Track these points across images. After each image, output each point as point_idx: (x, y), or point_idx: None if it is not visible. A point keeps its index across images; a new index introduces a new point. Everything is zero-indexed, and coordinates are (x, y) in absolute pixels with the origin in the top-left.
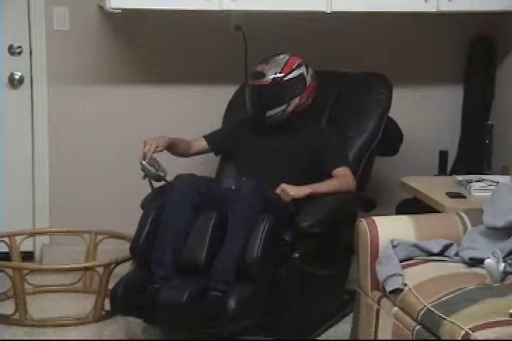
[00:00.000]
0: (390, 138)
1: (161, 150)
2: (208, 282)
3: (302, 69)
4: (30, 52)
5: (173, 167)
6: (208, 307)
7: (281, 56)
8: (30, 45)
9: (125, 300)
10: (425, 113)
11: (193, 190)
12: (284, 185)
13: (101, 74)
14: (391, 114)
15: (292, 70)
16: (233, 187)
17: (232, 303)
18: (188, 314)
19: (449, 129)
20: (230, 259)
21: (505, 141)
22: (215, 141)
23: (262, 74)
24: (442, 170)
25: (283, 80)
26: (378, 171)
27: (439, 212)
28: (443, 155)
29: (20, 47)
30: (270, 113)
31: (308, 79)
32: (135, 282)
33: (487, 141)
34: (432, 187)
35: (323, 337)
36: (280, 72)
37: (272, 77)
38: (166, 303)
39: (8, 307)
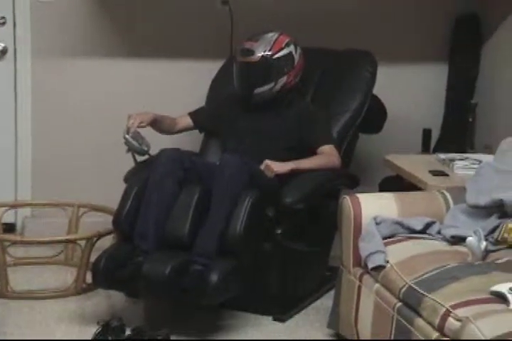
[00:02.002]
0: (374, 116)
1: (144, 126)
2: (190, 256)
3: (291, 48)
4: (14, 23)
5: (157, 141)
6: (189, 281)
7: (271, 34)
8: (14, 15)
9: (107, 273)
10: (409, 91)
11: (177, 164)
12: (267, 161)
13: (85, 46)
14: (375, 91)
15: (281, 49)
16: (218, 162)
17: (213, 277)
18: (170, 287)
19: (433, 107)
20: (213, 234)
21: (489, 119)
22: (201, 119)
23: (251, 52)
24: (425, 149)
25: (272, 58)
26: (362, 149)
27: (422, 190)
28: (426, 133)
29: (3, 17)
30: (257, 90)
31: (297, 57)
32: (117, 255)
33: (470, 120)
34: (415, 165)
35: (303, 312)
36: (269, 50)
37: (260, 54)
38: (148, 277)
39: None
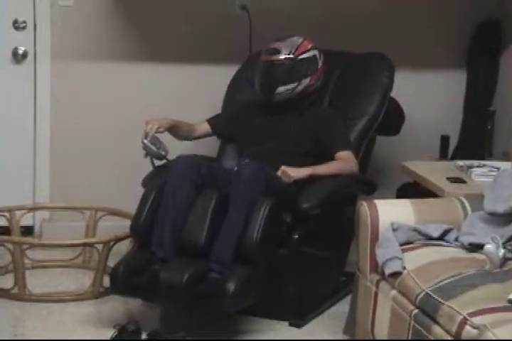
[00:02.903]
0: (392, 118)
1: (162, 132)
2: (207, 263)
3: (315, 52)
4: (35, 27)
5: (175, 146)
6: (206, 289)
7: (296, 37)
8: (34, 19)
9: (125, 281)
10: (428, 97)
11: (194, 170)
12: (284, 167)
13: (104, 50)
14: (393, 96)
15: (306, 51)
16: (235, 168)
17: (230, 286)
18: (187, 295)
19: (452, 114)
20: (230, 241)
21: (508, 127)
22: (219, 126)
23: (277, 51)
24: (443, 155)
25: (297, 58)
26: (380, 155)
27: (440, 197)
28: (444, 139)
29: (24, 21)
30: (280, 90)
31: (320, 62)
32: (135, 263)
33: (489, 127)
34: (433, 171)
35: (319, 318)
36: (295, 51)
37: (286, 53)
38: (166, 285)
39: (7, 282)
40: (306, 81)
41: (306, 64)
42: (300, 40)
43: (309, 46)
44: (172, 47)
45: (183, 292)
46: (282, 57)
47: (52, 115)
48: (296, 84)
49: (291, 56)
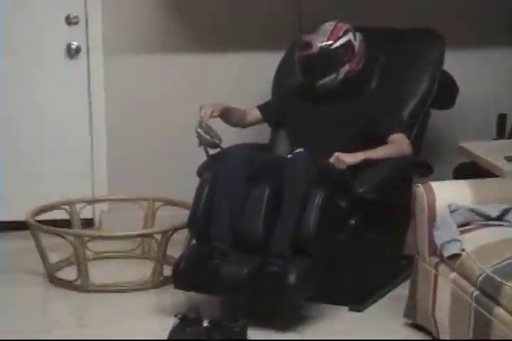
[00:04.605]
0: (446, 91)
1: (215, 116)
2: (266, 256)
3: (349, 36)
4: (86, 22)
5: (227, 134)
6: (267, 282)
7: (328, 23)
8: (86, 14)
9: (187, 276)
10: (482, 75)
11: (246, 163)
12: (337, 154)
13: (155, 42)
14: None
15: (339, 38)
16: (288, 156)
17: (291, 279)
18: (249, 289)
19: (509, 91)
20: (287, 234)
21: None
22: (269, 112)
23: (309, 45)
24: (501, 134)
25: (330, 49)
26: (436, 135)
27: (498, 177)
28: (501, 118)
29: (76, 17)
30: (321, 82)
31: (357, 45)
32: (196, 258)
33: None
34: (490, 151)
35: (379, 302)
36: (327, 41)
37: (319, 46)
38: (227, 280)
39: (70, 273)
40: (345, 68)
41: (341, 52)
42: (332, 25)
43: (342, 31)
44: (222, 35)
45: (245, 286)
46: (315, 51)
47: (107, 108)
48: (335, 75)
49: (325, 47)
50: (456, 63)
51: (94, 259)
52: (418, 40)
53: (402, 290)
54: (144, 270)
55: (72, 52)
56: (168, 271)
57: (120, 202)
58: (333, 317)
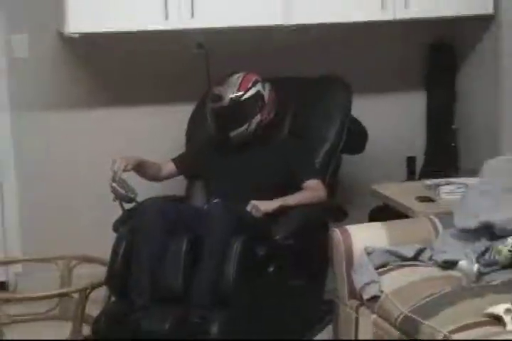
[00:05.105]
0: (355, 137)
1: (129, 170)
2: (187, 308)
3: (258, 87)
4: None
5: (143, 186)
6: (190, 333)
7: (236, 76)
8: None
9: (108, 334)
10: (389, 119)
11: (163, 216)
12: (253, 202)
13: (63, 98)
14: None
15: (248, 89)
16: (205, 207)
17: (214, 330)
18: None
19: (415, 135)
20: (206, 285)
21: (471, 143)
22: (183, 165)
23: (220, 97)
24: (411, 176)
25: (240, 100)
26: (348, 180)
27: (411, 217)
28: (410, 160)
29: None
30: (233, 133)
31: (266, 95)
32: (116, 313)
33: (453, 145)
34: (402, 192)
35: None
36: (237, 92)
37: (229, 98)
38: (149, 334)
39: None
40: (256, 118)
41: (251, 102)
42: (241, 77)
43: (251, 82)
44: (131, 90)
45: (167, 338)
46: (226, 102)
47: (16, 167)
48: (247, 125)
49: (235, 98)
50: (363, 108)
51: (10, 323)
52: (325, 88)
53: (326, 335)
54: (62, 331)
55: None
56: (87, 330)
57: (34, 263)
58: None
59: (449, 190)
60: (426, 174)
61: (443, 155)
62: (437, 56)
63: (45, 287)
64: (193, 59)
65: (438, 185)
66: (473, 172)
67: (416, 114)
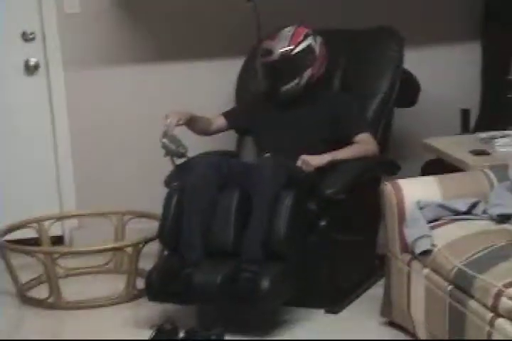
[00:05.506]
0: (408, 90)
1: (181, 124)
2: (238, 263)
3: (310, 40)
4: (44, 38)
5: (194, 142)
6: (241, 288)
7: (287, 29)
8: (42, 30)
9: (160, 288)
10: (443, 70)
11: (215, 170)
12: (304, 156)
13: (114, 54)
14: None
15: (299, 42)
16: (256, 161)
17: (264, 284)
18: (222, 297)
19: (470, 86)
20: (258, 240)
21: None
22: (234, 119)
23: (270, 51)
24: (465, 129)
25: (291, 54)
26: (401, 133)
27: (464, 171)
28: (465, 113)
29: (33, 33)
30: (284, 88)
31: (317, 48)
32: (168, 269)
33: (509, 96)
34: (455, 146)
35: (356, 302)
36: (288, 46)
37: (279, 52)
38: (200, 288)
39: (42, 292)
40: (307, 73)
41: (302, 56)
42: (292, 30)
43: (302, 35)
44: (181, 45)
45: (218, 294)
46: (276, 56)
47: (70, 123)
48: (298, 80)
49: (285, 53)
50: (417, 60)
51: (65, 276)
52: (376, 40)
53: (377, 289)
54: (116, 284)
55: (31, 69)
56: (141, 283)
57: (89, 218)
58: (310, 321)
59: (504, 143)
60: (480, 127)
61: (498, 106)
62: (494, 3)
63: (100, 241)
64: (243, 12)
65: (493, 138)
66: None
67: (470, 65)
